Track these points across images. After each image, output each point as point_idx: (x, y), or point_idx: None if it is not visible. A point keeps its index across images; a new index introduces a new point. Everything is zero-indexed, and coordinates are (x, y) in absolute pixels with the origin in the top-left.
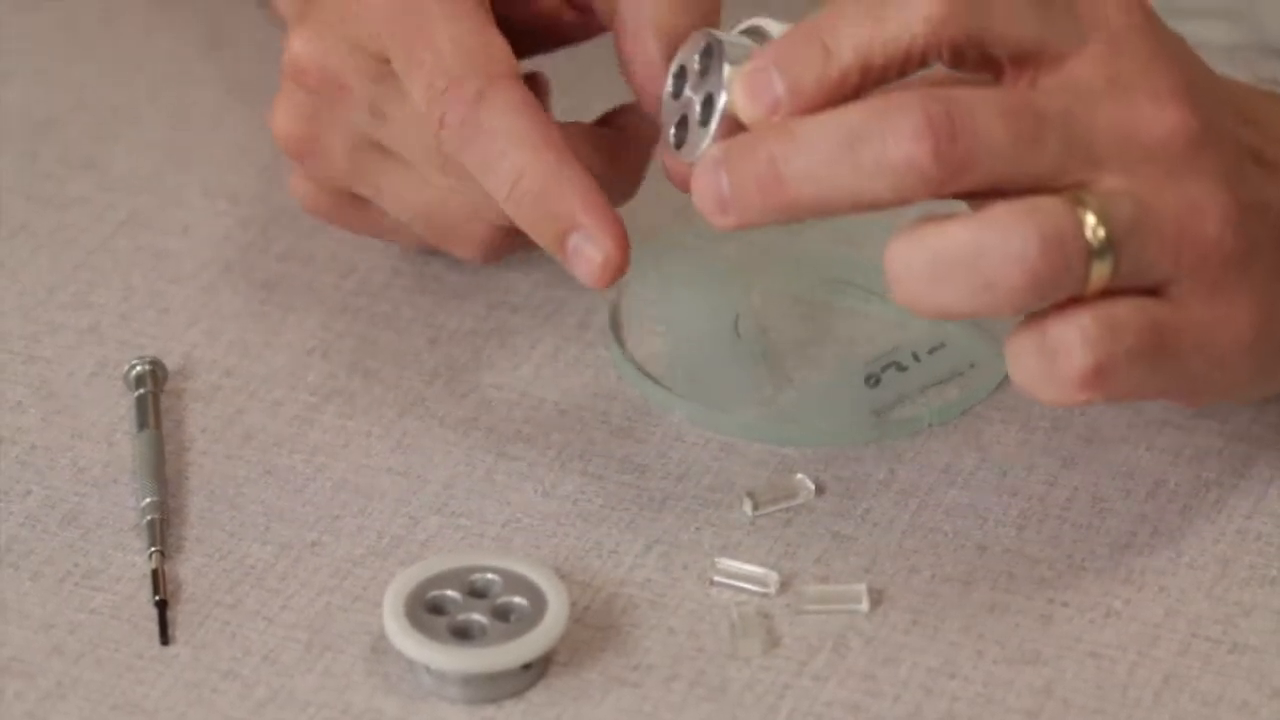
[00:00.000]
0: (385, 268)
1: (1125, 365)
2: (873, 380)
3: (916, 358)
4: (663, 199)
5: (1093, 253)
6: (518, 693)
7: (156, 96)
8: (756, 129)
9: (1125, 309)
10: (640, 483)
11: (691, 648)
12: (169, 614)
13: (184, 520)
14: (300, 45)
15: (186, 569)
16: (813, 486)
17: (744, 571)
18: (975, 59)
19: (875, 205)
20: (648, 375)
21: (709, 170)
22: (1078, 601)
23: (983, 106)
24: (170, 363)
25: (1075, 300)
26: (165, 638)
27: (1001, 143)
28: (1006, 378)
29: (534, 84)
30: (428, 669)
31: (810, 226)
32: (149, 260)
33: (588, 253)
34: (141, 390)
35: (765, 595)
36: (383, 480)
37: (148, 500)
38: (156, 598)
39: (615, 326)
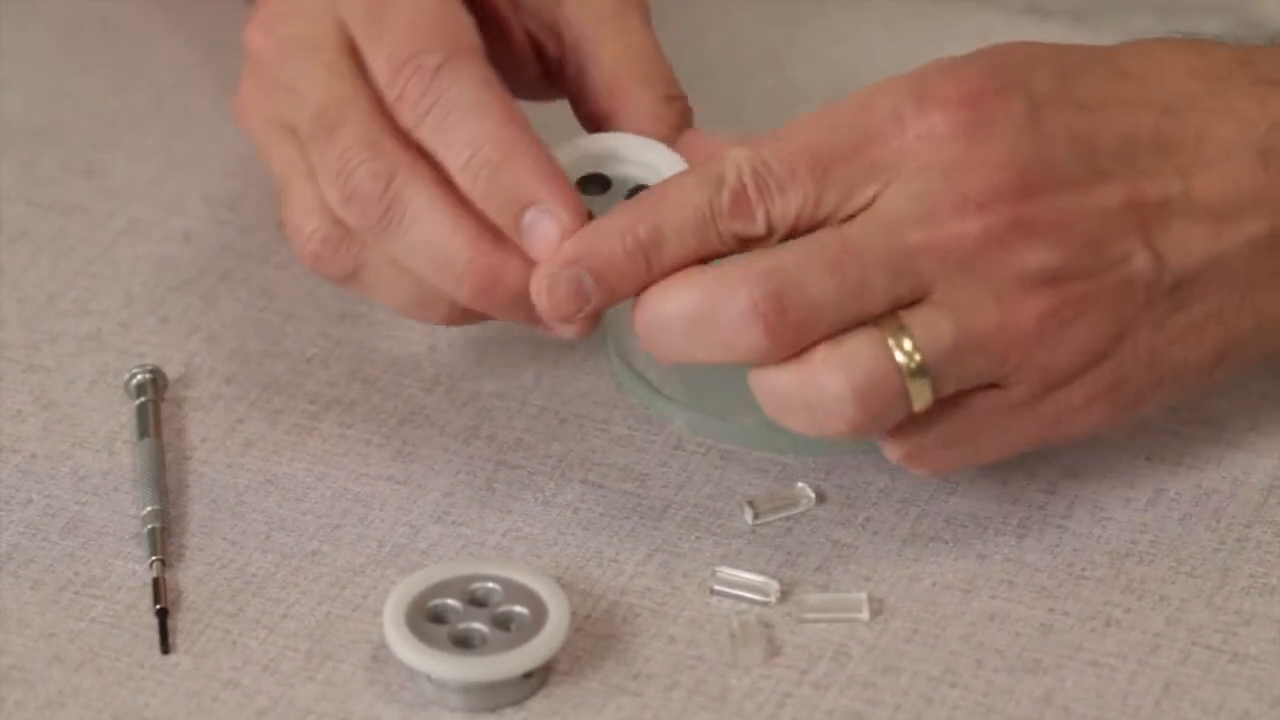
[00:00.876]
0: None
1: (936, 449)
2: None
3: None
4: None
5: (911, 372)
6: (518, 702)
7: (157, 104)
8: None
9: (939, 408)
10: (640, 491)
11: (692, 656)
12: (170, 623)
13: (184, 529)
14: (254, 33)
15: (187, 578)
16: (813, 495)
17: (744, 580)
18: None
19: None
20: (648, 384)
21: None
22: (1078, 610)
23: (807, 267)
24: (171, 371)
25: None
26: (166, 646)
27: (833, 298)
28: None
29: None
30: (428, 678)
31: None
32: (149, 268)
33: (544, 228)
34: (142, 398)
35: (766, 604)
36: (383, 489)
37: (148, 509)
38: (157, 606)
39: (615, 334)
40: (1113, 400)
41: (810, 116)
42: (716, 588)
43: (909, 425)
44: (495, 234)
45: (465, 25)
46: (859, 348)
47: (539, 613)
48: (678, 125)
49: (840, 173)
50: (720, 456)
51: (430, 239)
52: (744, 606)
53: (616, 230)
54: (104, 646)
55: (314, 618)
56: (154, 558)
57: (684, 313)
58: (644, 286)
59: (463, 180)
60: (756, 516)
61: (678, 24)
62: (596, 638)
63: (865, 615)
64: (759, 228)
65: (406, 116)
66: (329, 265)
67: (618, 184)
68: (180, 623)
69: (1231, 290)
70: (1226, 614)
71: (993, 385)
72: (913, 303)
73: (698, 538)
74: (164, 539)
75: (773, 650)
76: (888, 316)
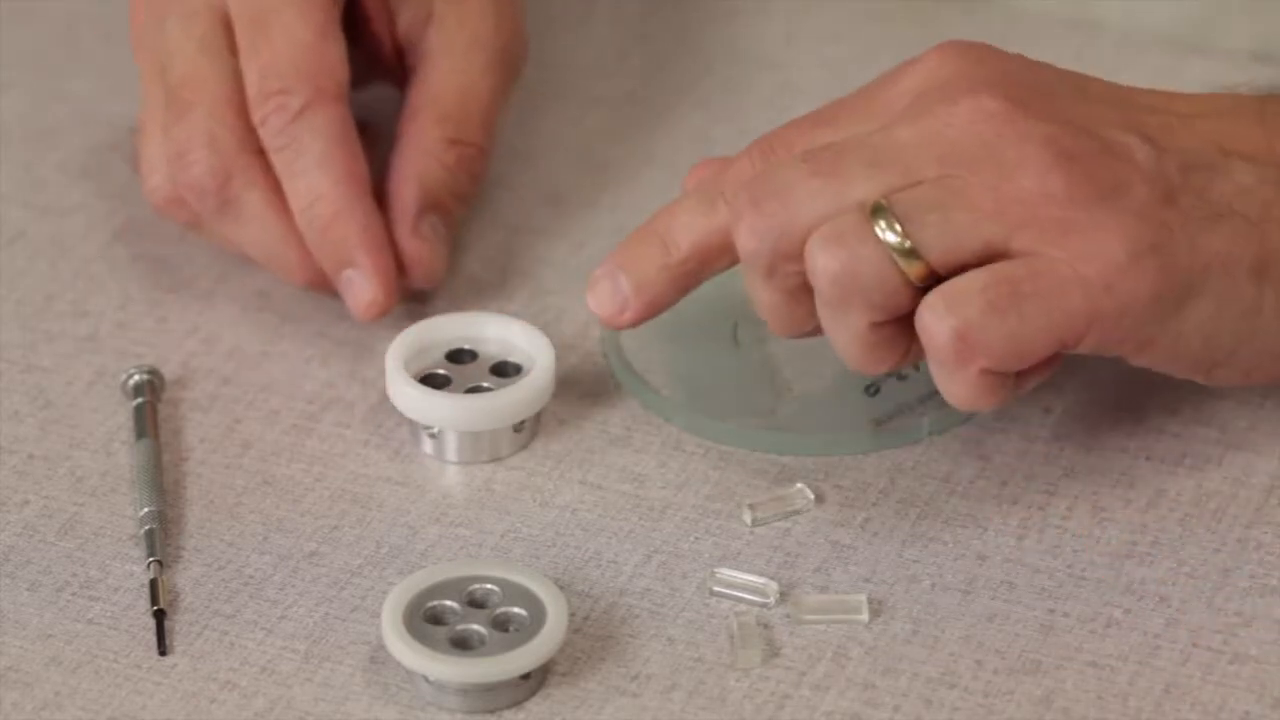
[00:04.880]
0: None
1: (983, 320)
2: (872, 390)
3: (916, 367)
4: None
5: (900, 252)
6: (517, 703)
7: None
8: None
9: (967, 278)
10: (639, 492)
11: (691, 658)
12: (167, 624)
13: (182, 530)
14: None
15: (185, 579)
16: (812, 496)
17: (743, 581)
18: None
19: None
20: (646, 384)
21: (605, 277)
22: (1078, 611)
23: (788, 166)
24: (168, 372)
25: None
26: (163, 648)
27: (805, 188)
28: None
29: (363, 131)
30: (426, 679)
31: None
32: (147, 269)
33: (357, 288)
34: (139, 399)
35: (765, 605)
36: (381, 490)
37: (146, 510)
38: (154, 608)
39: (614, 335)
40: (1160, 266)
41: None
42: (715, 589)
43: (950, 301)
44: None
45: (336, 63)
46: (837, 228)
47: (537, 614)
48: (452, 168)
49: (847, 117)
50: (720, 457)
51: (262, 239)
52: (743, 608)
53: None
54: (101, 648)
55: (312, 619)
56: (151, 559)
57: (695, 204)
58: (673, 284)
59: (299, 221)
60: (755, 518)
61: (678, 24)
62: (595, 639)
63: (864, 616)
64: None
65: (266, 139)
66: (172, 216)
67: (483, 359)
68: (178, 624)
69: (1249, 199)
70: (1227, 615)
71: (1025, 253)
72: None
73: (697, 539)
74: (161, 540)
75: (772, 651)
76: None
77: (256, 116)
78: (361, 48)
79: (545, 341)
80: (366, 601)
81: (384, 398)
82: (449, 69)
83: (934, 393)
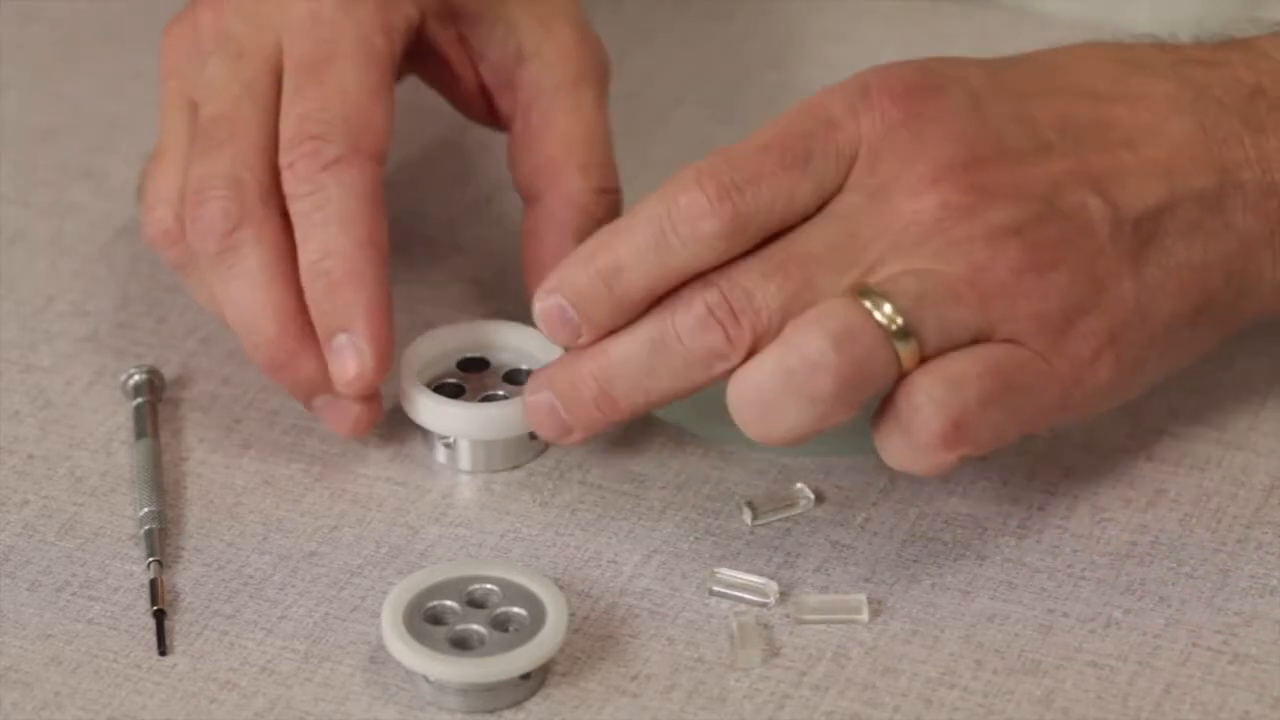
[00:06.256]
0: None
1: (980, 411)
2: None
3: None
4: None
5: (891, 333)
6: (517, 703)
7: (154, 106)
8: (569, 355)
9: (961, 361)
10: (639, 492)
11: (691, 658)
12: (167, 624)
13: (182, 530)
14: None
15: (184, 579)
16: (812, 496)
17: (743, 581)
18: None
19: (704, 386)
20: None
21: (543, 404)
22: (1078, 611)
23: (749, 275)
24: (168, 372)
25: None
26: (163, 648)
27: (777, 298)
28: None
29: None
30: (426, 679)
31: None
32: (146, 269)
33: (346, 356)
34: (139, 399)
35: (765, 605)
36: (381, 490)
37: (145, 510)
38: (154, 608)
39: None
40: (1116, 355)
41: (767, 123)
42: (715, 589)
43: (949, 389)
44: (307, 323)
45: (381, 126)
46: (829, 306)
47: (537, 614)
48: (603, 220)
49: (814, 161)
50: (719, 457)
51: (246, 300)
52: (743, 608)
53: (582, 258)
54: (101, 648)
55: (311, 619)
56: (151, 559)
57: (648, 339)
58: (619, 313)
59: (304, 274)
60: (755, 517)
61: (678, 24)
62: (595, 639)
63: (864, 616)
64: (720, 224)
65: (290, 184)
66: (161, 251)
67: (495, 367)
68: (177, 624)
69: (1192, 241)
70: (1227, 615)
71: (1005, 341)
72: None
73: (696, 539)
74: (161, 540)
75: (772, 651)
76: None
77: (285, 159)
78: (444, 91)
79: (559, 348)
80: (366, 601)
81: (384, 398)
82: (569, 109)
83: None
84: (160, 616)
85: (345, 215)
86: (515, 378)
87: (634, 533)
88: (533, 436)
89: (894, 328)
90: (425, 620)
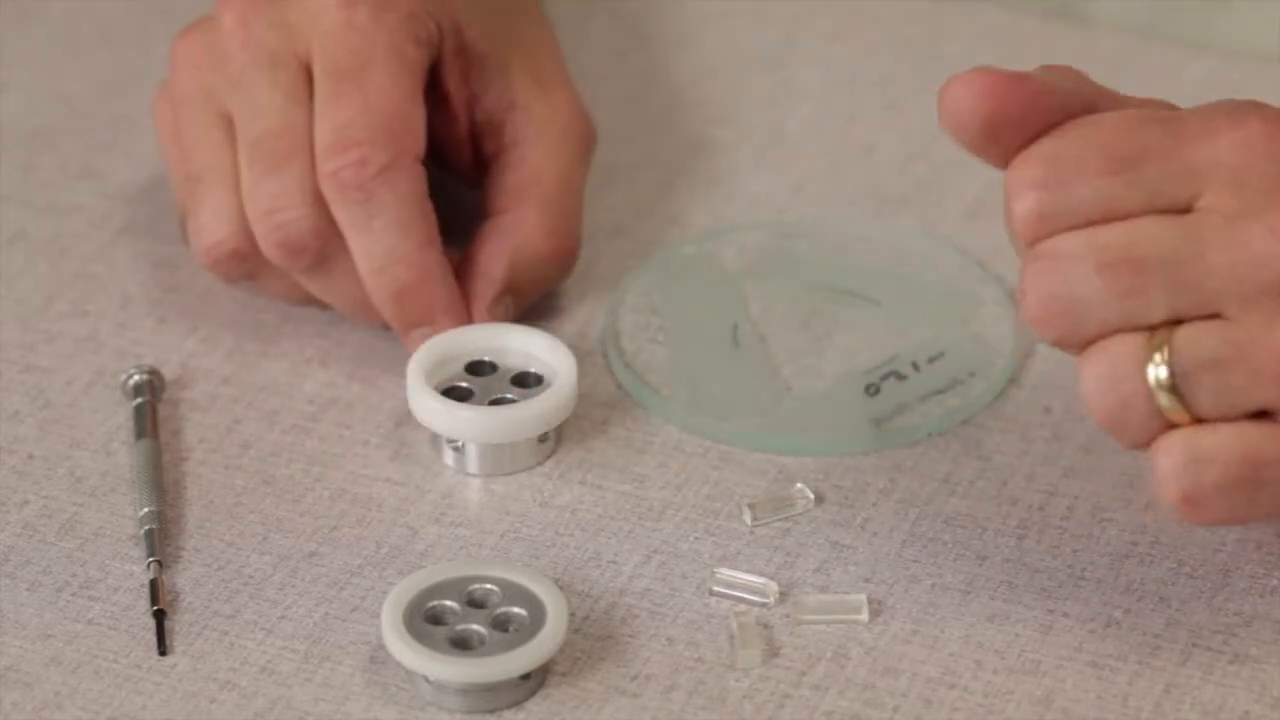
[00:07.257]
0: None
1: (1215, 495)
2: (872, 389)
3: (916, 367)
4: (660, 208)
5: (1154, 389)
6: (517, 703)
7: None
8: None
9: (1216, 439)
10: (639, 492)
11: (690, 658)
12: (167, 624)
13: (182, 530)
14: (228, 9)
15: (184, 579)
16: (812, 496)
17: (743, 581)
18: None
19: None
20: (646, 384)
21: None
22: (1078, 611)
23: (1082, 266)
24: (168, 372)
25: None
26: (163, 648)
27: (1099, 298)
28: (1006, 387)
29: None
30: (426, 679)
31: (808, 235)
32: (146, 269)
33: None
34: (139, 399)
35: (764, 605)
36: (381, 490)
37: (145, 510)
38: (154, 608)
39: (613, 335)
40: None
41: (1116, 115)
42: (715, 589)
43: (1189, 465)
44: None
45: (418, 130)
46: (1113, 346)
47: (537, 614)
48: (546, 257)
49: (1151, 171)
50: (719, 457)
51: (357, 293)
52: (743, 608)
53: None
54: (101, 648)
55: (311, 619)
56: (151, 559)
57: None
58: None
59: (368, 278)
60: (755, 517)
61: (678, 24)
62: (595, 639)
63: (864, 616)
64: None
65: (334, 191)
66: (227, 273)
67: (503, 370)
68: (177, 624)
69: None
70: (1227, 615)
71: (1272, 421)
72: (1202, 318)
73: (696, 539)
74: (161, 540)
75: (772, 651)
76: (1163, 326)
77: (327, 168)
78: (438, 129)
79: (566, 351)
80: (366, 601)
81: (384, 397)
82: (548, 154)
83: (934, 392)
84: (160, 616)
85: (402, 220)
86: (523, 381)
87: (634, 533)
88: (541, 440)
89: (1157, 384)
90: (425, 620)
